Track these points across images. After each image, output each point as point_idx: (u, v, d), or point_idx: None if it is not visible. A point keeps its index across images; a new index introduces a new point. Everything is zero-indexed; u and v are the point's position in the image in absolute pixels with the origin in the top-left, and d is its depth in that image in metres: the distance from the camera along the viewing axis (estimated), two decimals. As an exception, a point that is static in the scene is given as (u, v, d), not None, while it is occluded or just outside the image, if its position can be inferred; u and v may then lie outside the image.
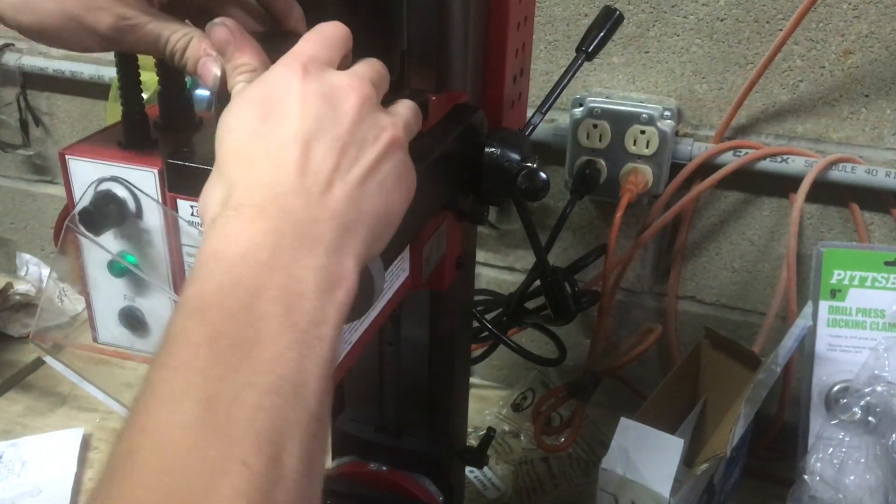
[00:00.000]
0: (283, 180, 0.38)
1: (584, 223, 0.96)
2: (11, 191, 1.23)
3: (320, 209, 0.38)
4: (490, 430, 0.74)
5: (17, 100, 1.14)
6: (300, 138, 0.39)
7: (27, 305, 1.20)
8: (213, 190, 0.39)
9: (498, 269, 1.01)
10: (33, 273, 1.24)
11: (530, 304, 0.86)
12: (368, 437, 0.74)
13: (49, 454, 0.94)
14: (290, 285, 0.36)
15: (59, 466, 0.92)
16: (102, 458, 0.95)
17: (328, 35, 0.43)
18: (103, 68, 1.06)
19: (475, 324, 0.81)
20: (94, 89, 1.10)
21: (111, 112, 1.01)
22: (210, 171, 0.43)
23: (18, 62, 1.11)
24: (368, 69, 0.44)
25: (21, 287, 1.21)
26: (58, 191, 1.21)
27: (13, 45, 1.12)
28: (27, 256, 1.25)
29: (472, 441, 0.80)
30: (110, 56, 1.06)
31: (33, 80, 1.13)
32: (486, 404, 1.01)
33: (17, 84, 1.13)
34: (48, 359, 0.49)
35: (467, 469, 0.86)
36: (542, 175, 0.52)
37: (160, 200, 0.45)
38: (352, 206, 0.39)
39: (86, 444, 0.96)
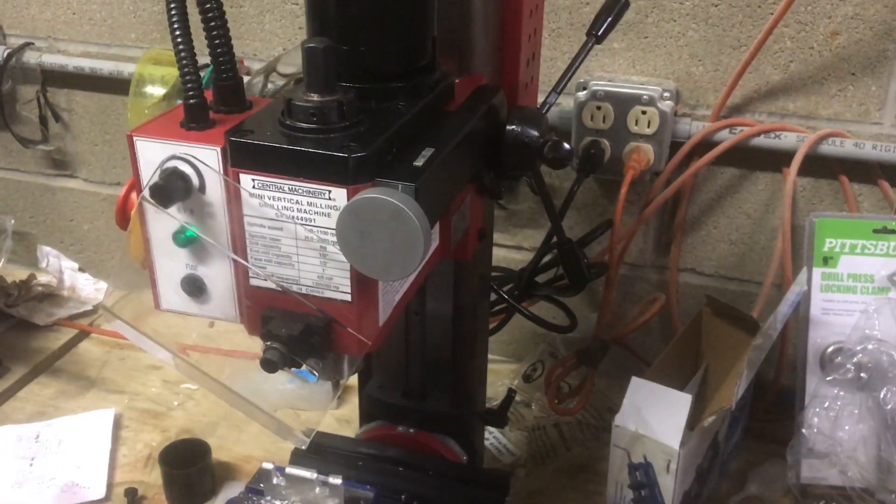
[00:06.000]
0: None
1: (588, 201, 1.01)
2: (31, 185, 1.27)
3: None
4: (511, 390, 0.79)
5: (36, 96, 1.18)
6: None
7: (49, 296, 1.24)
8: None
9: (507, 248, 1.06)
10: (53, 265, 1.28)
11: (540, 279, 0.91)
12: (396, 402, 0.79)
13: (83, 433, 0.99)
14: None
15: (94, 444, 0.97)
16: (134, 437, 0.99)
17: None
18: (122, 64, 1.11)
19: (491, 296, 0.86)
20: (112, 85, 1.14)
21: (132, 106, 1.05)
22: (270, 146, 0.48)
23: (38, 60, 1.15)
24: None
25: (43, 278, 1.25)
26: (77, 185, 1.25)
27: (33, 43, 1.16)
28: (47, 249, 1.29)
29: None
30: (129, 53, 1.12)
31: (53, 77, 1.17)
32: (498, 377, 1.06)
33: (37, 81, 1.17)
34: (118, 324, 0.53)
35: (484, 437, 0.91)
36: (566, 145, 0.57)
37: (223, 175, 0.50)
38: None
39: (117, 424, 1.01)
